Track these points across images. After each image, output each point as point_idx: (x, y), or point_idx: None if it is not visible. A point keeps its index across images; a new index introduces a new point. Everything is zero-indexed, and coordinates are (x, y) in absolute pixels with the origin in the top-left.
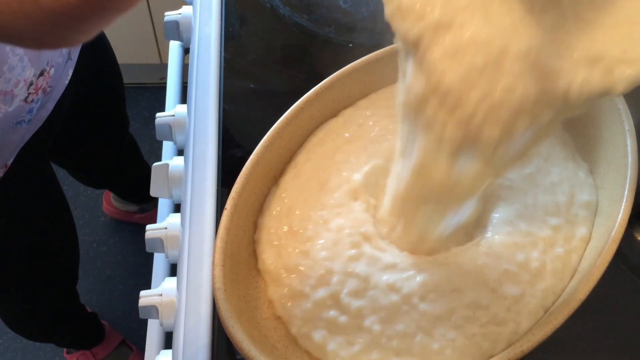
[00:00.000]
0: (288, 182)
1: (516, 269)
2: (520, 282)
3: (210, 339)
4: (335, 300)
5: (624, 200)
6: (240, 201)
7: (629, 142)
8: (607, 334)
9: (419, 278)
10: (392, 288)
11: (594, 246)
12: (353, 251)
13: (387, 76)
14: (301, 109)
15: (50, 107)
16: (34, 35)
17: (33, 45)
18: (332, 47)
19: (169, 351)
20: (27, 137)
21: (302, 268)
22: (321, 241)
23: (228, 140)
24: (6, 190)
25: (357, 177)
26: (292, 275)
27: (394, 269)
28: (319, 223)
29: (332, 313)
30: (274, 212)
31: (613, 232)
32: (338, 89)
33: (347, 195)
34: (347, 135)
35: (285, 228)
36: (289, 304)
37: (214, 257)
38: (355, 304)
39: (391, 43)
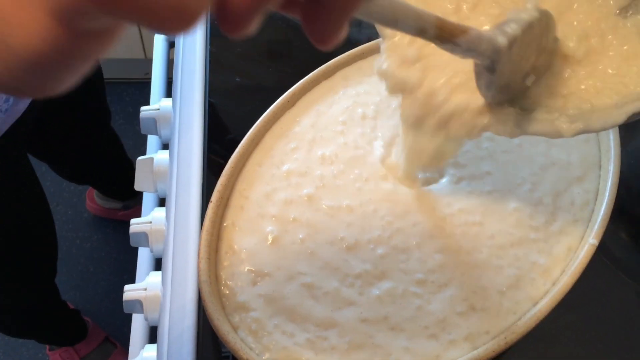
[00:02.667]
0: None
1: None
2: None
3: (195, 332)
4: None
5: (607, 193)
6: (226, 194)
7: (612, 137)
8: (589, 327)
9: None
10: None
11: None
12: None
13: (371, 70)
14: (287, 102)
15: (27, 99)
16: (13, 83)
17: (15, 94)
18: None
19: (154, 345)
20: (5, 128)
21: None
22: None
23: (214, 134)
24: None
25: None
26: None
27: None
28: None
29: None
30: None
31: (596, 225)
32: (323, 83)
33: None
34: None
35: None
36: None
37: (199, 250)
38: None
39: (375, 37)
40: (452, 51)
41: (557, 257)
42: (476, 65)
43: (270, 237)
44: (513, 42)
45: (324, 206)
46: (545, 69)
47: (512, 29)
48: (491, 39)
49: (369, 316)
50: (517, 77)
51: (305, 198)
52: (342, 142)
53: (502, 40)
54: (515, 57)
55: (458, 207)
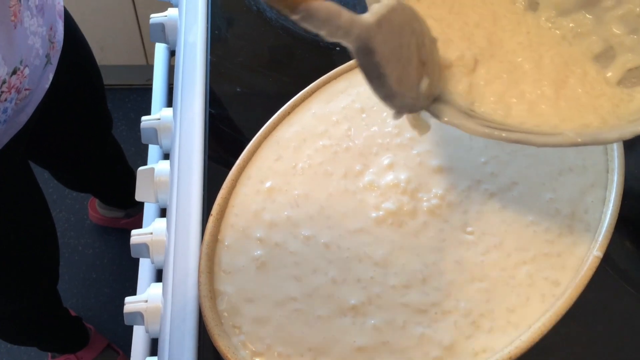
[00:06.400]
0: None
1: None
2: None
3: (196, 346)
4: None
5: (611, 204)
6: (226, 207)
7: (615, 147)
8: (595, 338)
9: None
10: None
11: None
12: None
13: None
14: (288, 113)
15: (30, 110)
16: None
17: None
18: (319, 51)
19: (155, 358)
20: (6, 140)
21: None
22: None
23: (214, 145)
24: None
25: None
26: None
27: None
28: None
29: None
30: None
31: (601, 236)
32: (324, 87)
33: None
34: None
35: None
36: None
37: (199, 263)
38: None
39: None
40: (314, 28)
41: (569, 270)
42: (359, 57)
43: (258, 262)
44: (382, 20)
45: (301, 236)
46: (435, 72)
47: (377, 7)
48: (356, 16)
49: (365, 343)
50: (408, 71)
51: (286, 219)
52: (321, 145)
53: (368, 17)
54: (391, 39)
55: (481, 230)
